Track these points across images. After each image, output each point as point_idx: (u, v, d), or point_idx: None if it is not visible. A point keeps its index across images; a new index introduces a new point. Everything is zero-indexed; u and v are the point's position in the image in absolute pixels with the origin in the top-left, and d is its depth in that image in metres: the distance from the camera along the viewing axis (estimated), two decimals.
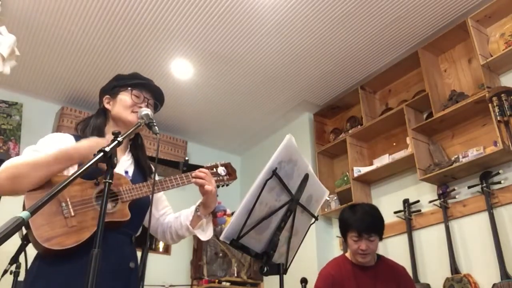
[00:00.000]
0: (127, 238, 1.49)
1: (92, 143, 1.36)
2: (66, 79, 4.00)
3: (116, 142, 1.16)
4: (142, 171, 1.63)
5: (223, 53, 3.66)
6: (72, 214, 1.33)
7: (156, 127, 1.44)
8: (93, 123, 1.60)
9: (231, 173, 1.69)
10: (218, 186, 1.66)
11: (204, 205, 1.61)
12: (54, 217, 1.31)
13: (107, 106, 1.64)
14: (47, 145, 1.45)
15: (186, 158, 1.78)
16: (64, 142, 1.48)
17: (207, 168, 1.63)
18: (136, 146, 1.68)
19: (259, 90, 4.15)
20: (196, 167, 1.60)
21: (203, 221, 1.64)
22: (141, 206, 1.52)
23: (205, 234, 1.66)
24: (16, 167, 1.30)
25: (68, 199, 1.34)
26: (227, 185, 1.69)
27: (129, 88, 1.62)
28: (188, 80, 3.99)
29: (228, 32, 3.42)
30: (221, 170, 1.67)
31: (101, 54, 3.68)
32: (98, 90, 1.73)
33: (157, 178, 1.47)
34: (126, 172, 1.56)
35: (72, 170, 1.40)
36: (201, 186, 1.56)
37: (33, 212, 0.84)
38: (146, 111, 1.48)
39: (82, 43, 3.55)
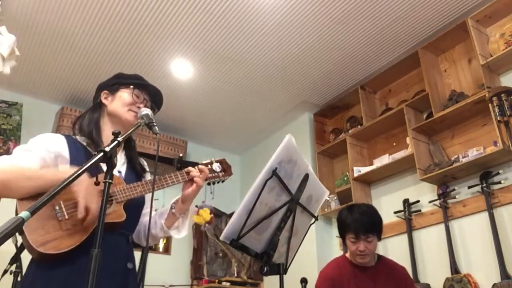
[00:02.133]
0: (124, 238, 1.48)
1: (85, 184, 1.31)
2: (66, 79, 4.00)
3: (116, 142, 1.16)
4: (135, 170, 1.62)
5: (223, 53, 3.66)
6: (66, 217, 1.31)
7: (156, 127, 1.43)
8: (89, 117, 1.59)
9: (226, 169, 1.66)
10: (214, 183, 1.65)
11: (184, 200, 1.56)
12: (48, 221, 1.29)
13: (104, 101, 1.62)
14: (38, 146, 1.43)
15: (180, 155, 1.77)
16: (55, 143, 1.47)
17: (202, 165, 1.61)
18: (129, 147, 1.66)
19: (259, 90, 4.15)
20: (189, 163, 1.58)
21: (179, 221, 1.61)
22: (136, 206, 1.51)
23: (180, 233, 1.63)
24: (4, 173, 1.28)
25: (61, 202, 1.33)
26: (222, 181, 1.67)
27: (131, 86, 1.61)
28: (188, 80, 3.99)
29: (228, 32, 3.42)
30: (216, 167, 1.64)
31: (101, 54, 3.68)
32: None
33: (151, 177, 1.45)
34: (119, 172, 1.55)
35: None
36: (191, 179, 1.54)
37: (33, 212, 0.83)
38: (146, 111, 1.47)
39: (82, 43, 3.55)
